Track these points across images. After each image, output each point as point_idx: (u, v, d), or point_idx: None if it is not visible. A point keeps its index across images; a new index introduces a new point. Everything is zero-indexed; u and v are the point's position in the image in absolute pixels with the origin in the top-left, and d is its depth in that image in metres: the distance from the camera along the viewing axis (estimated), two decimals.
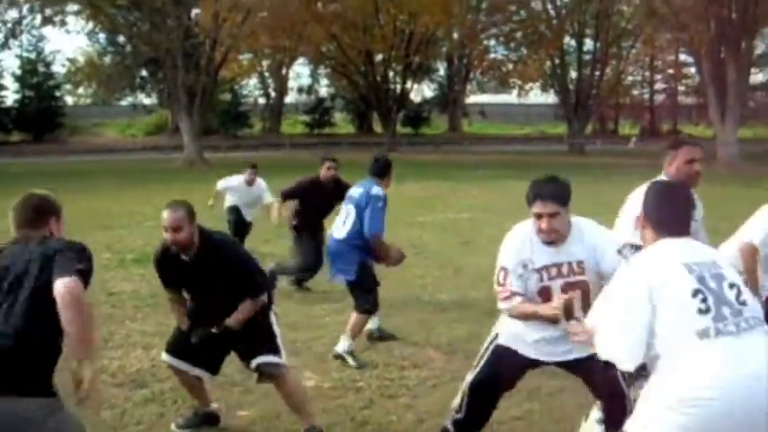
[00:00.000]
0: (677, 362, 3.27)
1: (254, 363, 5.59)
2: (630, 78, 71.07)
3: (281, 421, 6.10)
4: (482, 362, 4.95)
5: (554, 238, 4.57)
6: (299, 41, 52.15)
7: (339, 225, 7.89)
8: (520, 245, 4.67)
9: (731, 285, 3.42)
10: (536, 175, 4.83)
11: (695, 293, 3.33)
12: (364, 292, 7.71)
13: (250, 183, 12.65)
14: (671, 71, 78.73)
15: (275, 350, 5.62)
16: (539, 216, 4.52)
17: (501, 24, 57.65)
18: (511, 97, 71.38)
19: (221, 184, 13.13)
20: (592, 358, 4.11)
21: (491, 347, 4.96)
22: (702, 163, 5.45)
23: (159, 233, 5.62)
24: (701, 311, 3.30)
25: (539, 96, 68.04)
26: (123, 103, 65.22)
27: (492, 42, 61.01)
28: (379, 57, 55.51)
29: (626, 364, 3.47)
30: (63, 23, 46.49)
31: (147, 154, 49.22)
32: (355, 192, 7.92)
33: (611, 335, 3.48)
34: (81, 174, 33.16)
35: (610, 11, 53.32)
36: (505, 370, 4.88)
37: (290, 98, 75.02)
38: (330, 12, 51.45)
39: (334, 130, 70.50)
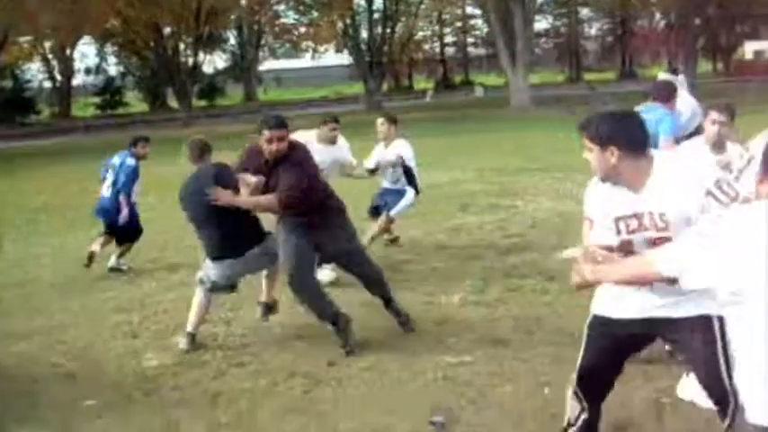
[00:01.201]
0: None
1: None
2: (421, 34, 72.37)
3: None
4: (582, 346, 4.17)
5: (597, 175, 3.85)
6: (83, 19, 49.87)
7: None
8: (599, 189, 3.92)
9: None
10: None
11: None
12: None
13: None
14: (459, 24, 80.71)
15: None
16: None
17: None
18: (305, 61, 71.26)
19: None
20: (698, 326, 3.66)
21: (587, 326, 4.16)
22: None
23: None
24: None
25: (332, 58, 68.12)
26: None
27: (282, 7, 60.42)
28: (167, 30, 53.88)
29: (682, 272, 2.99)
30: None
31: None
32: None
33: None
34: None
35: None
36: (612, 345, 4.06)
37: (77, 80, 72.20)
38: None
39: (128, 110, 68.35)
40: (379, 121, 9.49)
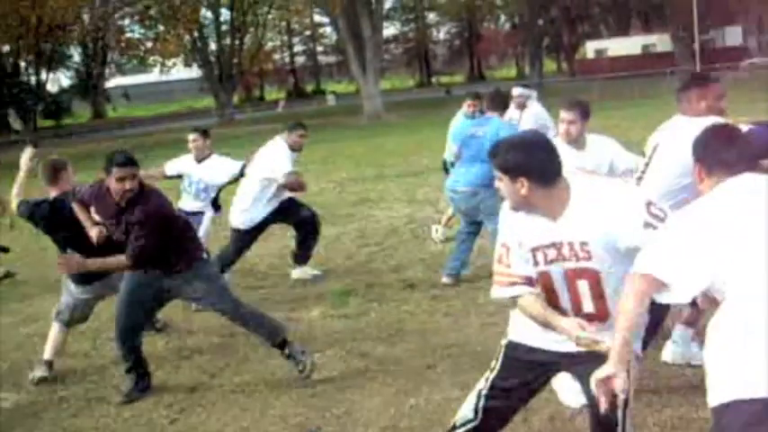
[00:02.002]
0: None
1: None
2: (271, 44, 71.99)
3: None
4: (495, 365, 3.96)
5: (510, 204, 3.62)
6: None
7: None
8: (514, 216, 3.64)
9: None
10: None
11: None
12: None
13: None
14: (308, 33, 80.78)
15: None
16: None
17: (134, 2, 55.82)
18: (153, 76, 69.95)
19: None
20: (602, 361, 3.41)
21: (504, 347, 3.96)
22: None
23: None
24: None
25: (182, 72, 67.08)
26: None
27: (126, 22, 59.13)
28: (6, 47, 51.95)
29: (659, 269, 3.08)
30: None
31: None
32: None
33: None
34: None
35: None
36: (519, 373, 3.85)
37: None
38: None
39: None
40: (192, 136, 8.85)
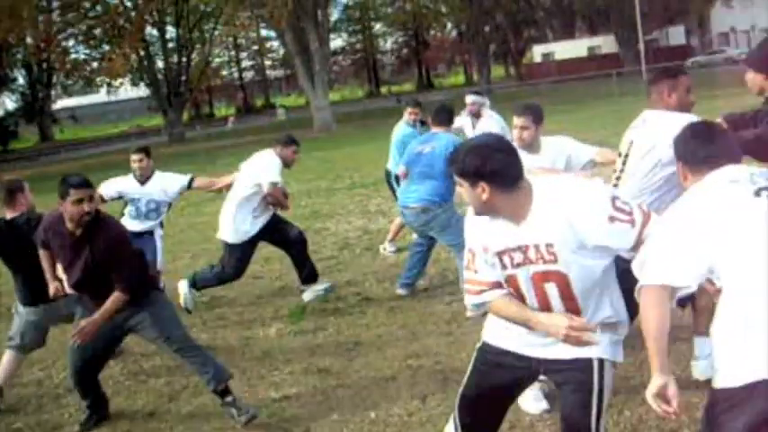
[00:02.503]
0: None
1: None
2: (218, 60, 71.70)
3: None
4: (467, 372, 3.90)
5: (474, 209, 3.53)
6: None
7: None
8: (476, 220, 3.58)
9: None
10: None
11: (758, 192, 3.09)
12: None
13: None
14: (256, 47, 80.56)
15: None
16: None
17: (77, 23, 55.30)
18: (101, 96, 69.39)
19: None
20: (579, 369, 3.53)
21: (476, 352, 3.90)
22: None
23: None
24: None
25: (130, 91, 66.61)
26: None
27: (71, 43, 58.49)
28: None
29: (664, 277, 3.10)
30: None
31: None
32: None
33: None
34: None
35: None
36: (495, 376, 3.78)
37: None
38: None
39: None
40: (137, 156, 8.56)
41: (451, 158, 3.49)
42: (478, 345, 3.88)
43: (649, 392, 3.11)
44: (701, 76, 38.84)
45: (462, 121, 10.78)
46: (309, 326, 7.80)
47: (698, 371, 5.34)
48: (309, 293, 8.57)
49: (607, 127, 22.88)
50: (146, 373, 7.06)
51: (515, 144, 6.20)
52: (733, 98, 28.81)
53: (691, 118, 4.49)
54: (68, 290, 5.78)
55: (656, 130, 4.83)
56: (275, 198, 8.27)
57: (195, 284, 8.39)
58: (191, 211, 16.45)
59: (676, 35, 76.86)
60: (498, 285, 3.57)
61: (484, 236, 3.53)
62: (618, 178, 5.08)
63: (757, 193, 3.06)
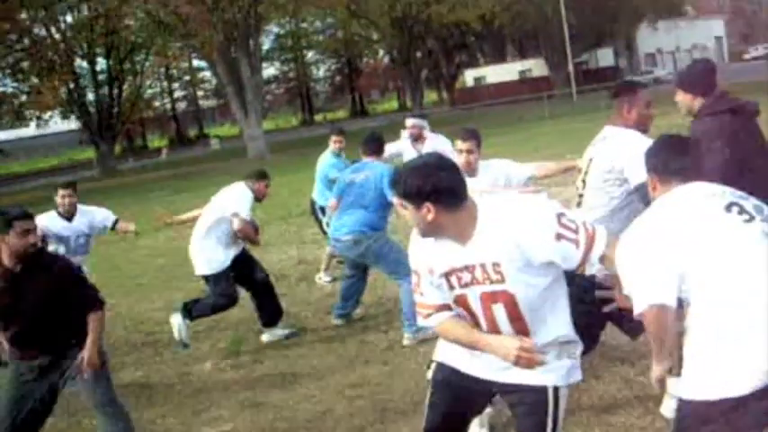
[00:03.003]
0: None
1: None
2: (150, 91, 71.02)
3: None
4: (426, 401, 3.79)
5: (421, 233, 3.44)
6: None
7: None
8: (421, 242, 3.50)
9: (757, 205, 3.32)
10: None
11: (729, 208, 3.22)
12: None
13: None
14: (188, 78, 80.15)
15: None
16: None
17: (4, 55, 54.46)
18: (30, 130, 68.25)
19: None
20: (532, 396, 3.50)
21: (432, 376, 3.80)
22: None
23: None
24: (746, 221, 3.19)
25: (60, 124, 65.71)
26: None
27: None
28: None
29: (652, 299, 3.18)
30: None
31: None
32: None
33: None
34: None
35: (117, 26, 52.61)
36: (454, 406, 3.72)
37: None
38: None
39: None
40: (65, 192, 8.08)
41: (394, 181, 3.41)
42: (433, 368, 3.77)
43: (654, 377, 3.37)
44: None
45: (402, 144, 10.61)
46: (246, 359, 7.75)
47: (668, 408, 5.03)
48: (268, 335, 8.38)
49: (539, 150, 23.23)
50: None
51: (461, 168, 6.17)
52: (662, 117, 29.44)
53: (647, 141, 4.54)
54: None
55: (613, 147, 4.86)
56: (245, 233, 8.08)
57: (190, 314, 8.13)
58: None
59: (605, 57, 78.27)
60: (445, 308, 3.48)
61: (429, 257, 3.44)
62: (581, 195, 5.08)
63: (728, 208, 3.18)
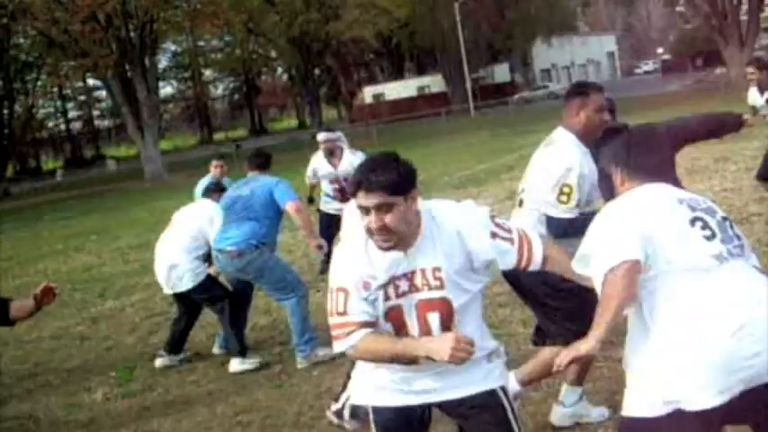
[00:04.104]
0: (696, 293, 3.07)
1: None
2: (43, 111, 69.52)
3: None
4: None
5: (391, 241, 3.21)
6: None
7: None
8: (355, 256, 3.30)
9: (723, 219, 3.28)
10: None
11: (693, 222, 3.19)
12: None
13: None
14: (83, 97, 78.61)
15: None
16: (365, 211, 3.17)
17: None
18: None
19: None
20: (485, 399, 3.40)
21: (374, 423, 3.53)
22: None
23: None
24: (707, 238, 3.15)
25: None
26: None
27: None
28: None
29: (624, 255, 3.06)
30: None
31: None
32: None
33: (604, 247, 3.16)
34: None
35: (7, 44, 51.32)
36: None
37: None
38: None
39: None
40: None
41: (366, 179, 3.13)
42: (372, 417, 3.52)
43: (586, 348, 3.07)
44: (527, 111, 40.31)
45: (317, 161, 10.41)
46: (137, 387, 7.57)
47: (557, 416, 5.17)
48: (161, 361, 8.00)
49: (438, 165, 23.47)
50: None
51: None
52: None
53: (576, 159, 4.60)
54: None
55: (547, 161, 4.78)
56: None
57: (237, 350, 7.63)
58: None
59: (502, 72, 79.64)
60: (369, 324, 3.25)
61: (369, 268, 3.25)
62: (521, 199, 5.01)
63: (692, 222, 3.18)
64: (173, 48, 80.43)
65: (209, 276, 7.84)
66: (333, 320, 3.30)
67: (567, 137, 4.81)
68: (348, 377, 5.75)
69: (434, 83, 75.84)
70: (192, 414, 6.64)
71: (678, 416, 2.98)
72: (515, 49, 76.00)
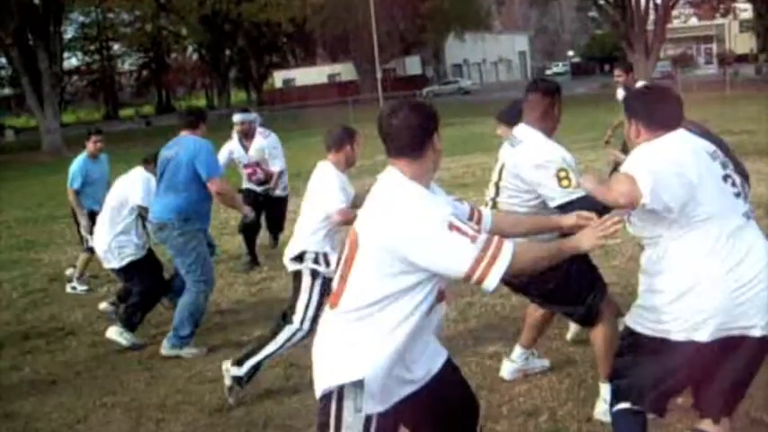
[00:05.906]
0: (731, 239, 3.48)
1: None
2: None
3: None
4: None
5: None
6: None
7: None
8: (432, 196, 3.27)
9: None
10: None
11: (725, 179, 3.56)
12: None
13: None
14: None
15: None
16: None
17: None
18: None
19: None
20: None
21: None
22: None
23: None
24: (737, 195, 3.55)
25: None
26: None
27: None
28: None
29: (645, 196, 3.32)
30: None
31: None
32: None
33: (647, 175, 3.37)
34: None
35: None
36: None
37: None
38: None
39: None
40: None
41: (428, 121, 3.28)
42: (374, 426, 3.18)
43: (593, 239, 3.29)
44: (437, 104, 40.26)
45: (232, 144, 9.97)
46: (5, 365, 7.32)
47: (506, 370, 5.70)
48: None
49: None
50: None
51: None
52: (465, 126, 30.36)
53: (555, 147, 4.64)
54: None
55: (521, 158, 4.71)
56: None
57: (125, 321, 7.50)
58: None
59: (413, 65, 79.98)
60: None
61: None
62: (493, 200, 4.95)
63: (725, 179, 3.56)
64: (81, 19, 78.59)
65: (137, 263, 7.71)
66: (478, 242, 3.03)
67: (536, 134, 4.77)
68: (259, 343, 5.71)
69: (346, 71, 75.72)
70: (56, 395, 6.44)
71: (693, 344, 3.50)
72: (428, 42, 76.34)
